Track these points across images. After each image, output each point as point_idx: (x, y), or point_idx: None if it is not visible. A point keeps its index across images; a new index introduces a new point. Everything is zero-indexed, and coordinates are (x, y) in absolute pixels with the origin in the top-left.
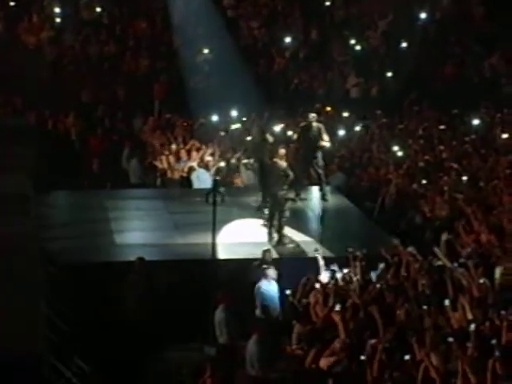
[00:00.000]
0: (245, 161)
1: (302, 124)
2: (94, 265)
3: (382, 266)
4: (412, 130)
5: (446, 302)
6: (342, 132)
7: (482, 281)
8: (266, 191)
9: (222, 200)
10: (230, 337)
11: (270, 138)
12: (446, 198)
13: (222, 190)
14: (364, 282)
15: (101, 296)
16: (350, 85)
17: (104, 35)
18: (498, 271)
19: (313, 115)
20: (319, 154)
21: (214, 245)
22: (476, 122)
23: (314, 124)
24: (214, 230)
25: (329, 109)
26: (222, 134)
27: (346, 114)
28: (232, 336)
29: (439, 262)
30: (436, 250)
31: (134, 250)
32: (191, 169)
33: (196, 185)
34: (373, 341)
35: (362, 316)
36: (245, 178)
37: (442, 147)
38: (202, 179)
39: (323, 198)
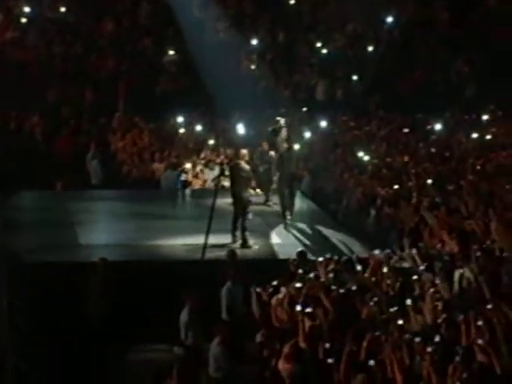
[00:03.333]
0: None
1: (271, 128)
2: (56, 264)
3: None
4: (376, 133)
5: (408, 302)
6: (307, 134)
7: (443, 284)
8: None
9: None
10: (194, 338)
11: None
12: (412, 202)
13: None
14: (331, 285)
15: (63, 296)
16: (315, 87)
17: (69, 36)
18: (456, 275)
19: (282, 119)
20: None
21: (205, 245)
22: (440, 126)
23: (284, 129)
24: (209, 229)
25: None
26: None
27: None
28: (197, 337)
29: (404, 265)
30: (407, 251)
31: (99, 250)
32: (158, 170)
33: (164, 185)
34: (327, 345)
35: (327, 319)
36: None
37: (406, 151)
38: (171, 179)
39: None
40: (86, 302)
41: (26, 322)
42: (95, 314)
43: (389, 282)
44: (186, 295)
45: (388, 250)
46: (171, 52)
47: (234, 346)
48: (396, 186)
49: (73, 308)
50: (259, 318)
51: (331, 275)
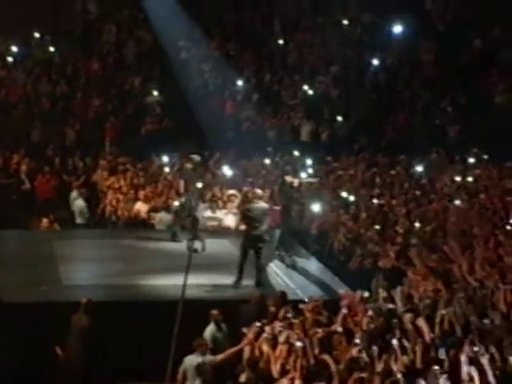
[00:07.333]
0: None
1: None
2: (40, 304)
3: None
4: (361, 175)
5: (394, 342)
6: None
7: (424, 325)
8: None
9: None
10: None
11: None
12: (398, 241)
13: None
14: (315, 326)
15: (45, 336)
16: (300, 128)
17: (55, 75)
18: (438, 315)
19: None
20: None
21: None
22: (421, 168)
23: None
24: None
25: None
26: None
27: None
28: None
29: (389, 306)
30: (394, 292)
31: (82, 290)
32: (143, 209)
33: (158, 226)
34: None
35: (311, 360)
36: None
37: (391, 192)
38: (165, 221)
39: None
40: (69, 341)
41: (7, 361)
42: (78, 354)
43: (371, 322)
44: (195, 342)
45: (371, 291)
46: (155, 93)
47: None
48: (378, 227)
49: (55, 348)
50: (244, 359)
51: (315, 316)
